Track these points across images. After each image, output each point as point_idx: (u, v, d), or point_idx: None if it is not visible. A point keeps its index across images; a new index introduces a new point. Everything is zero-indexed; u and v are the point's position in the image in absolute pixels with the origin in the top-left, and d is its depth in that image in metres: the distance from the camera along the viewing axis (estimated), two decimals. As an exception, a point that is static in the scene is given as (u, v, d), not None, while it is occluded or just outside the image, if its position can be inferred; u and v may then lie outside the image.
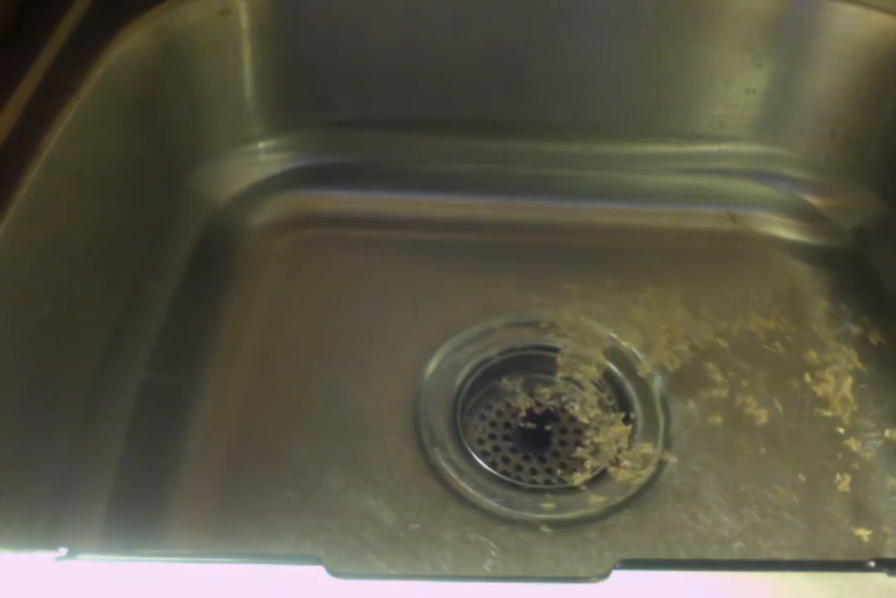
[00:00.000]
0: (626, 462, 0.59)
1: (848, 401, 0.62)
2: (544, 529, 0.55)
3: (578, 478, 0.58)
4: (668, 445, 0.60)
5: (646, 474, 0.58)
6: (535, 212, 0.74)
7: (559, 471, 0.59)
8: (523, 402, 0.63)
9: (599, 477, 0.58)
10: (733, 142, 0.73)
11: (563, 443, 0.61)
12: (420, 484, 0.57)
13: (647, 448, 0.60)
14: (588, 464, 0.59)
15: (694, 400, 0.62)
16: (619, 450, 0.59)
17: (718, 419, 0.61)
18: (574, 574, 0.53)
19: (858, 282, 0.69)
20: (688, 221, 0.74)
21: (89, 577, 0.34)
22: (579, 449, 0.60)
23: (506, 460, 0.60)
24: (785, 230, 0.73)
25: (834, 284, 0.69)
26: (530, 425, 0.62)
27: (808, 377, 0.64)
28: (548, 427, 0.62)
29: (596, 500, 0.57)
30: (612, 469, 0.58)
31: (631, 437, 0.60)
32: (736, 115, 0.72)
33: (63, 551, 0.34)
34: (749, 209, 0.74)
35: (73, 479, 0.53)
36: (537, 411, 0.62)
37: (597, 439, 0.60)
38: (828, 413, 0.62)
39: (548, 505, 0.57)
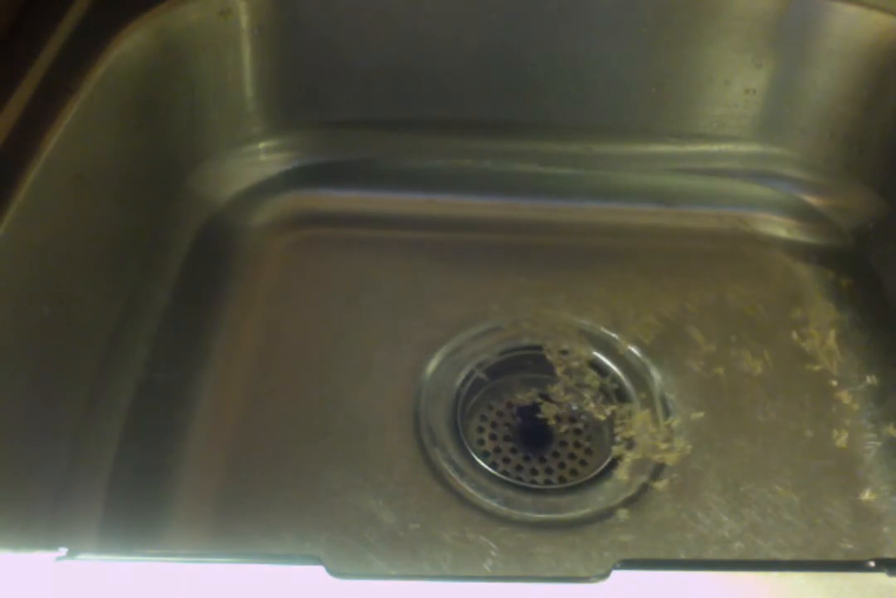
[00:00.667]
0: (663, 445, 0.59)
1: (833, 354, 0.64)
2: (623, 538, 0.55)
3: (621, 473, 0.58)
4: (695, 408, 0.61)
5: (684, 443, 0.59)
6: (535, 212, 0.74)
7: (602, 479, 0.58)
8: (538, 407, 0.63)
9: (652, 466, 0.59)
10: (733, 142, 0.73)
11: (578, 442, 0.61)
12: (420, 484, 0.57)
13: (673, 421, 0.60)
14: (629, 457, 0.59)
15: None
16: (652, 435, 0.60)
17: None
18: (574, 574, 0.53)
19: (858, 282, 0.69)
20: (688, 221, 0.74)
21: (89, 577, 0.34)
22: (614, 448, 0.60)
23: (507, 460, 0.60)
24: (785, 230, 0.73)
25: (833, 285, 0.69)
26: (564, 427, 0.61)
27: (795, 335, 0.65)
28: (574, 426, 0.62)
29: (659, 484, 0.57)
30: (656, 456, 0.59)
31: (653, 418, 0.61)
32: (736, 115, 0.72)
33: (63, 551, 0.34)
34: (749, 209, 0.74)
35: (73, 479, 0.53)
36: (558, 411, 0.62)
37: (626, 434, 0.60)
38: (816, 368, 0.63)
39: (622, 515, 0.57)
